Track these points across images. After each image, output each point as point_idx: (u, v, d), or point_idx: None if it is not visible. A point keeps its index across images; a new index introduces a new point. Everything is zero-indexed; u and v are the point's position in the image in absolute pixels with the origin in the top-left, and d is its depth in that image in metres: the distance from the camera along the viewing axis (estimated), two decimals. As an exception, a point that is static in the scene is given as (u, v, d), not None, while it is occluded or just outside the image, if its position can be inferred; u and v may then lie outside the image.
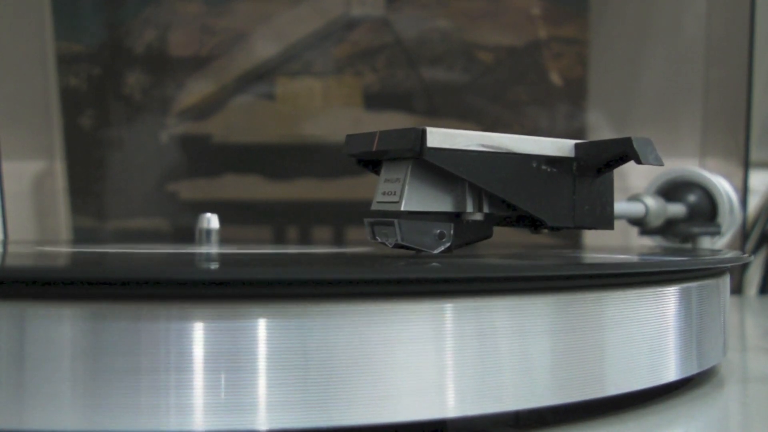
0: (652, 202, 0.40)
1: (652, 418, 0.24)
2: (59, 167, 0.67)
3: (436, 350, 0.20)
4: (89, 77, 0.67)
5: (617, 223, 0.30)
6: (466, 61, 0.67)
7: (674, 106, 0.68)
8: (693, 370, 0.27)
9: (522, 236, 0.52)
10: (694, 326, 0.27)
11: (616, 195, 0.28)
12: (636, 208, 0.40)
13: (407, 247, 0.26)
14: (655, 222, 0.40)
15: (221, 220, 0.39)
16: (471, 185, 0.26)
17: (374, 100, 0.67)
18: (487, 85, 0.67)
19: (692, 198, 0.43)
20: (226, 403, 0.19)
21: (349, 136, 0.27)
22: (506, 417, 0.22)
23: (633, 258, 0.30)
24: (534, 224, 0.27)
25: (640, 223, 0.41)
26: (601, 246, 0.56)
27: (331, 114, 0.68)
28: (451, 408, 0.21)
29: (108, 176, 0.68)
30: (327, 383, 0.19)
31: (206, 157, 0.68)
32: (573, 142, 0.27)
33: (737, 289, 0.64)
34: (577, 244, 0.62)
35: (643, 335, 0.24)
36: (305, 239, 0.67)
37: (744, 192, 0.64)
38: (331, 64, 0.68)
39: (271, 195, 0.67)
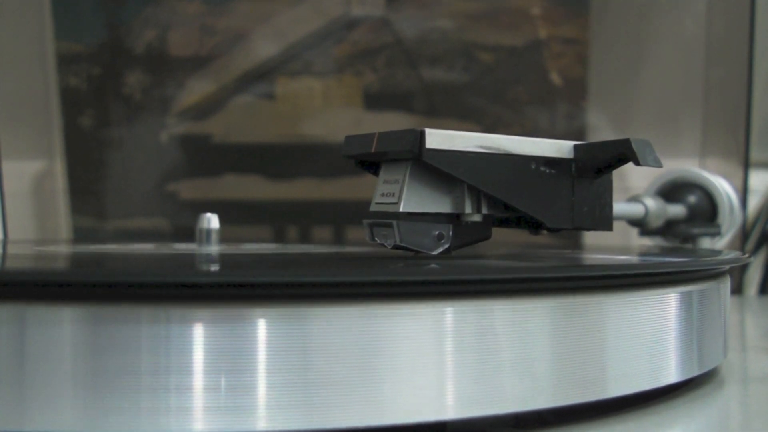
0: (651, 203, 0.40)
1: (652, 417, 0.24)
2: (59, 167, 0.67)
3: (436, 352, 0.20)
4: (89, 77, 0.67)
5: (617, 224, 0.30)
6: (466, 61, 0.67)
7: (674, 105, 0.68)
8: (694, 372, 0.27)
9: (521, 236, 0.52)
10: (695, 328, 0.27)
11: (616, 196, 0.28)
12: (636, 209, 0.40)
13: (406, 249, 0.26)
14: (655, 223, 0.40)
15: (221, 220, 0.39)
16: (470, 186, 0.26)
17: (374, 100, 0.67)
18: (487, 85, 0.67)
19: (692, 199, 0.43)
20: (226, 405, 0.19)
21: (347, 138, 0.27)
22: (506, 418, 0.22)
23: (633, 259, 0.30)
24: (533, 225, 0.27)
25: (640, 223, 0.41)
26: (601, 246, 0.56)
27: (331, 114, 0.68)
28: (451, 410, 0.21)
29: (108, 176, 0.68)
30: (327, 385, 0.19)
31: (206, 157, 0.68)
32: (572, 143, 0.27)
33: (737, 289, 0.64)
34: (576, 244, 0.62)
35: (643, 338, 0.24)
36: (305, 239, 0.67)
37: (744, 192, 0.64)
38: (331, 64, 0.68)
39: (271, 195, 0.67)
